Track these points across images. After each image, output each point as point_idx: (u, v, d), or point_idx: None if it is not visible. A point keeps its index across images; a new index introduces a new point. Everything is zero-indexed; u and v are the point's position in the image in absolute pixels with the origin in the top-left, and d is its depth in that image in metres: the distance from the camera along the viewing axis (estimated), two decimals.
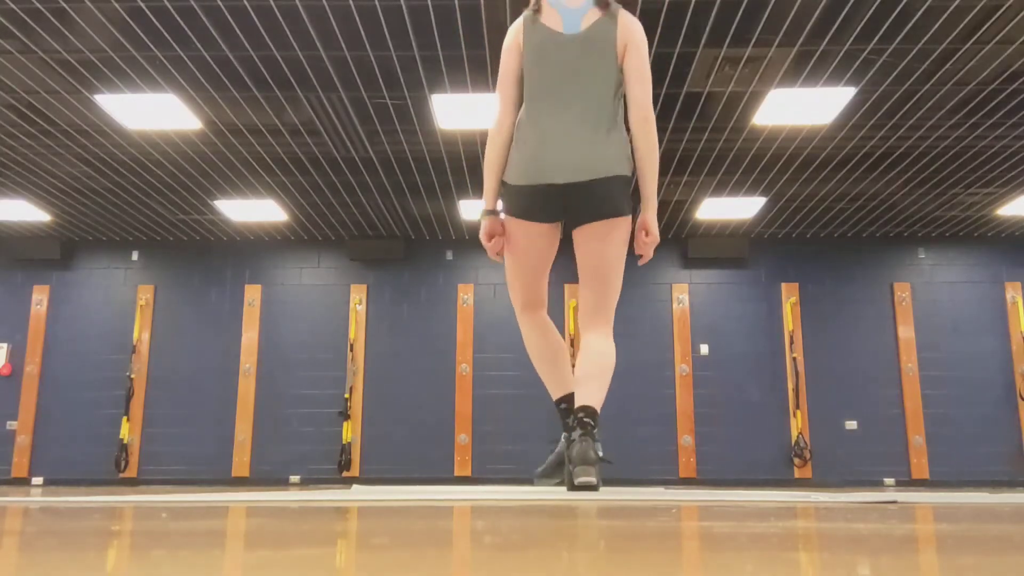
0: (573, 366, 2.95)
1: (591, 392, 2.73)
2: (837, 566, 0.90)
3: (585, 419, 2.65)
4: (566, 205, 2.72)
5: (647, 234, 2.80)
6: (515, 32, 2.80)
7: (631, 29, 2.75)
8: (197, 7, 4.82)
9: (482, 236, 2.83)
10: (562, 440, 3.01)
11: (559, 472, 3.05)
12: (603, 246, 2.79)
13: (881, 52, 5.32)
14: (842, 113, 6.21)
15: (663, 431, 8.98)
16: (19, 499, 2.54)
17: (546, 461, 3.07)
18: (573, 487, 2.62)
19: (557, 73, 2.73)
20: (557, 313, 8.81)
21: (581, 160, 2.68)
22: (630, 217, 2.81)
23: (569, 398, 2.96)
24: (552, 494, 2.64)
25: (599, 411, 2.72)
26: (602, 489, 2.93)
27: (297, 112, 6.23)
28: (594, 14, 2.73)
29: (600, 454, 2.65)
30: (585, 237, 2.80)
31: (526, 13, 2.80)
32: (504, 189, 2.79)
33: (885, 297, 9.30)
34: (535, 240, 2.82)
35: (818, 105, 6.07)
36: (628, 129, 2.79)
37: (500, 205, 2.86)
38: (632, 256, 2.88)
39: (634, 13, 4.85)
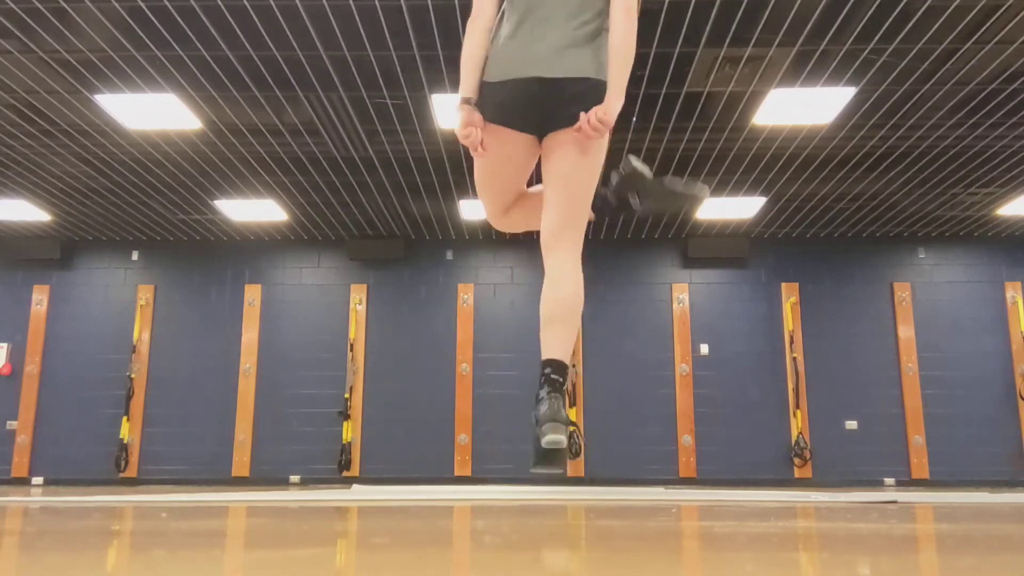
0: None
1: (560, 344, 2.48)
2: (837, 566, 0.90)
3: (553, 375, 2.40)
4: (543, 107, 2.58)
5: (605, 114, 2.50)
6: None
7: None
8: (197, 7, 4.82)
9: (458, 130, 2.62)
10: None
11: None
12: (579, 155, 2.59)
13: (881, 52, 5.31)
14: (842, 113, 6.21)
15: (663, 431, 8.97)
16: (19, 499, 2.53)
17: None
18: (540, 452, 2.33)
19: None
20: None
21: (565, 57, 2.56)
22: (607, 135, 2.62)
23: (557, 363, 2.56)
24: (553, 494, 2.63)
25: (568, 363, 2.48)
26: (603, 489, 2.89)
27: (297, 112, 6.23)
28: None
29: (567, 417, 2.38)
30: (560, 144, 2.61)
31: None
32: (481, 89, 2.61)
33: (885, 297, 9.30)
34: (510, 154, 2.67)
35: (818, 105, 6.07)
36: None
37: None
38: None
39: None
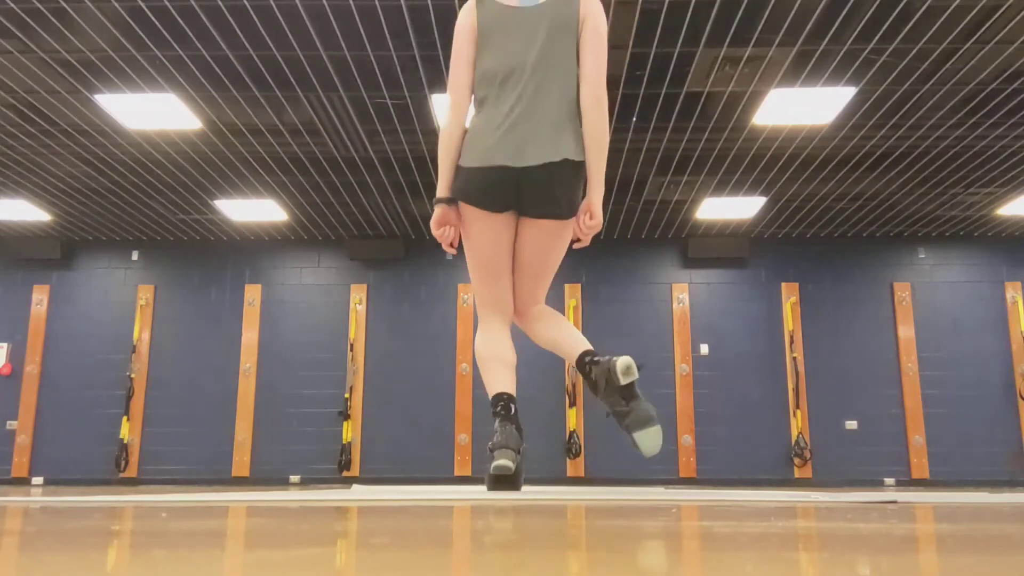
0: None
1: (583, 340, 2.83)
2: (837, 566, 0.90)
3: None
4: (519, 192, 2.64)
5: (591, 217, 2.70)
6: (468, 13, 2.69)
7: (591, 4, 2.64)
8: (197, 7, 4.82)
9: (433, 224, 2.74)
10: (496, 429, 2.86)
11: (515, 445, 2.85)
12: (552, 243, 2.77)
13: (881, 52, 5.32)
14: (842, 113, 6.21)
15: (663, 431, 8.96)
16: (19, 499, 2.54)
17: (494, 442, 2.86)
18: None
19: (513, 49, 2.62)
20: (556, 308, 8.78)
21: (537, 143, 2.59)
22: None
23: (508, 398, 2.88)
24: (553, 494, 2.64)
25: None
26: (603, 489, 2.94)
27: (297, 112, 6.23)
28: None
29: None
30: (532, 231, 2.76)
31: None
32: (458, 175, 2.69)
33: (885, 297, 9.30)
34: (493, 231, 2.74)
35: (818, 105, 6.07)
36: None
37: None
38: (571, 244, 2.86)
39: (633, 14, 4.87)
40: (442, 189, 2.70)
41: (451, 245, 2.76)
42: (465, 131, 2.72)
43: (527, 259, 2.81)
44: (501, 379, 2.86)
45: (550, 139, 2.60)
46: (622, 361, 2.66)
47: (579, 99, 2.66)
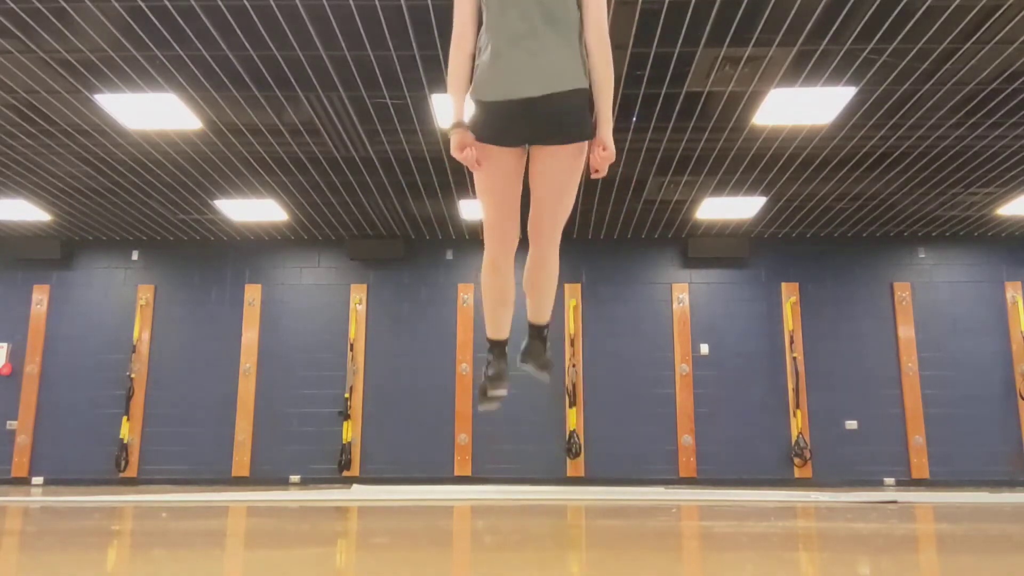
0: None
1: (543, 312, 3.13)
2: (837, 566, 0.90)
3: (544, 331, 3.13)
4: (531, 122, 2.76)
5: (604, 149, 2.82)
6: None
7: None
8: (197, 7, 4.82)
9: (453, 150, 2.82)
10: (488, 364, 3.27)
11: (502, 381, 3.29)
12: (566, 169, 2.86)
13: (881, 52, 5.31)
14: (842, 113, 6.20)
15: (663, 431, 8.97)
16: (19, 499, 2.53)
17: (485, 373, 3.29)
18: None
19: None
20: (558, 315, 8.79)
21: (546, 72, 2.73)
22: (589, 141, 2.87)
23: (499, 343, 3.22)
24: (553, 494, 2.64)
25: (546, 327, 3.18)
26: (603, 489, 2.99)
27: (297, 112, 6.23)
28: None
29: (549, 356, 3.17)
30: (547, 159, 2.85)
31: None
32: (474, 107, 2.80)
33: (885, 297, 9.30)
34: (504, 164, 2.85)
35: (818, 105, 6.07)
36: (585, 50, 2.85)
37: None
38: (590, 179, 3.02)
39: (633, 14, 4.87)
40: (456, 114, 2.81)
41: (477, 162, 2.83)
42: (473, 61, 2.83)
43: (543, 190, 2.91)
44: (501, 326, 3.19)
45: (557, 70, 2.74)
46: (541, 375, 3.10)
47: (582, 38, 2.82)
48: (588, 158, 2.89)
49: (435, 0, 4.75)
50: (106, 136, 6.63)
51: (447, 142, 6.78)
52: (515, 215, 2.99)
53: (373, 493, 3.14)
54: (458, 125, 2.80)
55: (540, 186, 2.91)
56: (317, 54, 5.36)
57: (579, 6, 2.84)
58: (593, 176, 2.92)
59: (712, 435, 8.96)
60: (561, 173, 2.86)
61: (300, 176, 7.55)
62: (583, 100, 2.77)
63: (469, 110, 2.83)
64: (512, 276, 3.09)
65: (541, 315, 3.15)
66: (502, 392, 3.08)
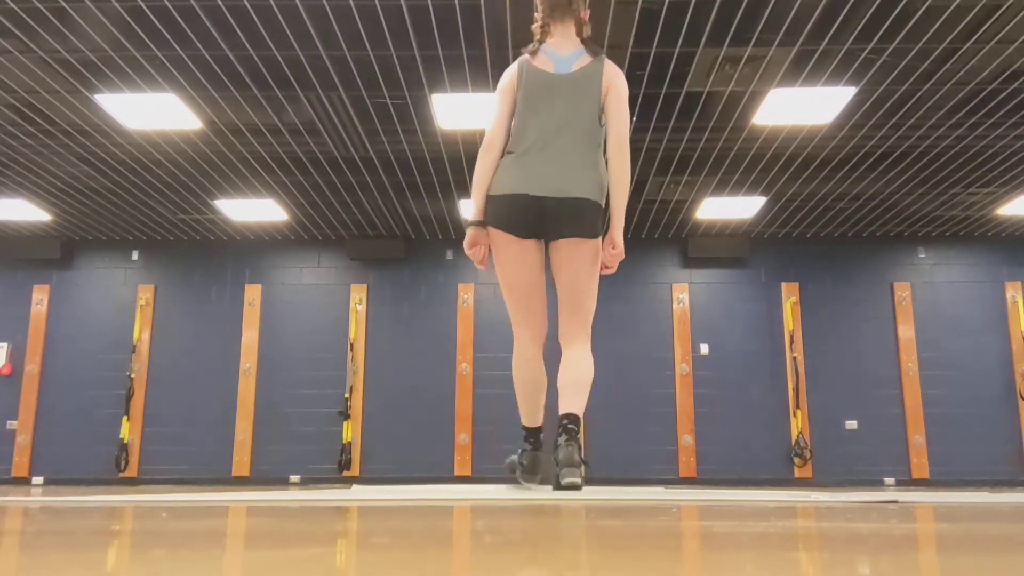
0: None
1: (574, 402, 2.97)
2: (837, 566, 0.90)
3: (570, 426, 2.89)
4: (541, 218, 2.96)
5: (614, 248, 3.02)
6: (510, 75, 3.10)
7: (614, 74, 3.07)
8: (197, 7, 4.82)
9: (466, 245, 3.06)
10: (518, 454, 3.28)
11: (533, 474, 3.26)
12: (576, 263, 3.03)
13: (881, 52, 5.32)
14: (842, 113, 6.21)
15: (663, 431, 8.98)
16: (19, 499, 2.53)
17: (518, 461, 3.26)
18: (560, 487, 2.83)
19: (547, 106, 3.03)
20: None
21: (559, 181, 2.95)
22: (599, 240, 3.05)
23: (533, 430, 3.24)
24: (553, 494, 2.64)
25: (580, 418, 2.99)
26: (603, 489, 2.99)
27: (297, 112, 6.23)
28: (584, 59, 3.06)
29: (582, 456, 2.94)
30: (559, 253, 3.04)
31: (522, 57, 3.11)
32: (488, 203, 3.01)
33: (885, 297, 9.30)
34: (518, 254, 3.03)
35: (818, 105, 6.07)
36: (606, 160, 3.07)
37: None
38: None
39: (633, 14, 4.87)
40: (474, 215, 3.04)
41: (481, 262, 3.08)
42: (497, 167, 3.06)
43: (560, 284, 3.08)
44: (535, 413, 3.22)
45: (572, 180, 2.96)
46: (567, 480, 2.80)
47: (603, 150, 3.06)
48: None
49: (435, 0, 4.75)
50: (106, 136, 6.63)
51: (447, 142, 6.80)
52: (538, 306, 3.14)
53: (373, 493, 3.12)
54: (475, 223, 3.03)
55: (559, 282, 3.08)
56: (317, 54, 5.37)
57: (602, 120, 3.06)
58: (603, 273, 3.10)
59: (712, 435, 8.96)
60: (576, 267, 3.02)
61: (300, 176, 7.55)
62: (594, 209, 2.97)
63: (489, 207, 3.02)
64: (542, 364, 3.18)
65: (574, 405, 2.98)
66: (577, 481, 2.80)
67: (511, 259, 3.03)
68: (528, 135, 3.01)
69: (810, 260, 9.40)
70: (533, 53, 3.09)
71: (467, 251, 3.05)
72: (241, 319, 9.35)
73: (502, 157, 3.05)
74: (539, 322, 3.14)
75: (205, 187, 7.83)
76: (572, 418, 2.91)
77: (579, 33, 3.11)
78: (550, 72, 3.05)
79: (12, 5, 4.76)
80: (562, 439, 2.84)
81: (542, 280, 3.10)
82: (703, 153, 6.98)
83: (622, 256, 3.04)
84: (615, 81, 3.06)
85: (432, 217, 8.74)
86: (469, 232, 3.04)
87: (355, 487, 3.76)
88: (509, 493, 2.82)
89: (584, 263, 3.02)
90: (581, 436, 2.95)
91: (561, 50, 3.08)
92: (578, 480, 2.78)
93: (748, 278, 9.42)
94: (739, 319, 9.29)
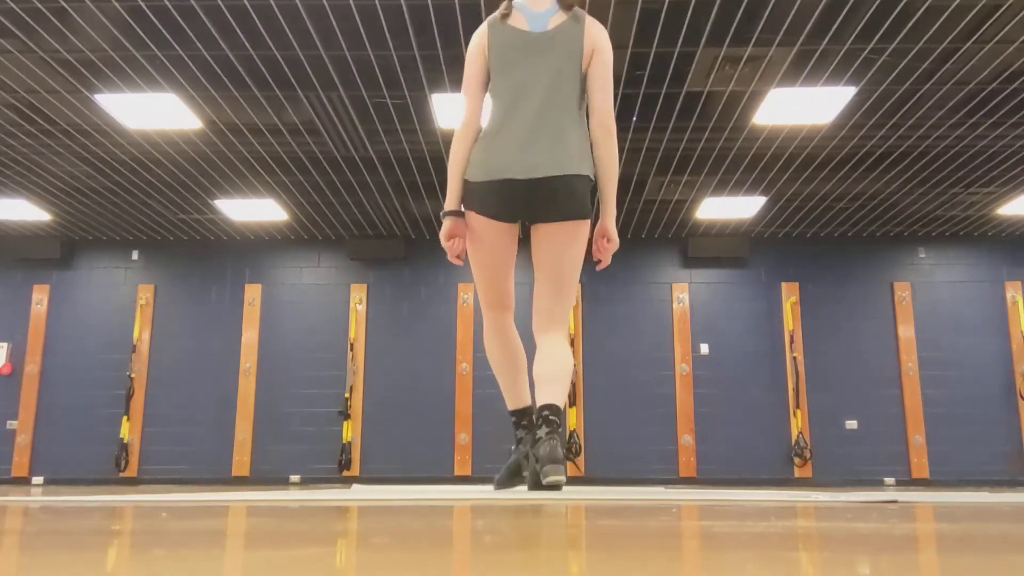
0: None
1: (554, 392, 2.72)
2: (837, 566, 0.90)
3: (551, 417, 2.65)
4: (528, 202, 2.72)
5: (608, 240, 2.81)
6: (480, 35, 2.82)
7: (598, 35, 2.77)
8: (197, 7, 4.82)
9: (442, 237, 2.82)
10: (514, 450, 2.98)
11: (517, 479, 2.97)
12: (564, 248, 2.79)
13: (881, 52, 5.32)
14: (842, 113, 6.21)
15: (663, 431, 8.98)
16: (19, 499, 2.54)
17: (503, 468, 2.98)
18: (539, 486, 2.64)
19: (522, 71, 2.75)
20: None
21: (544, 157, 2.68)
22: (590, 221, 2.81)
23: (523, 411, 2.97)
24: (553, 495, 2.64)
25: (561, 410, 2.75)
26: (603, 489, 2.94)
27: (297, 112, 6.23)
28: (559, 16, 2.77)
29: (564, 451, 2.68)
30: (546, 237, 2.79)
31: (492, 17, 2.82)
32: (466, 187, 2.77)
33: (885, 297, 9.30)
34: (496, 239, 2.81)
35: (818, 105, 6.07)
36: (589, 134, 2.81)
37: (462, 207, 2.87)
38: (590, 261, 2.93)
39: (633, 14, 4.87)
40: (451, 202, 2.78)
41: (458, 257, 2.84)
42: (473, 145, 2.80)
43: (543, 269, 2.85)
44: (520, 392, 2.97)
45: (557, 155, 2.69)
46: (550, 479, 2.56)
47: (587, 125, 2.78)
48: (591, 247, 2.87)
49: (435, 0, 4.75)
50: (106, 136, 6.63)
51: (447, 142, 6.80)
52: (511, 287, 2.96)
53: (373, 493, 3.11)
54: (452, 213, 2.77)
55: (539, 268, 2.84)
56: (317, 54, 5.37)
57: (583, 93, 2.79)
58: (597, 268, 2.90)
59: (712, 435, 8.96)
60: (560, 252, 2.78)
61: (300, 176, 7.55)
62: (584, 184, 2.73)
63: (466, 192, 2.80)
64: (517, 337, 3.00)
65: (552, 396, 2.73)
66: (560, 479, 2.58)
67: (489, 243, 2.81)
68: (505, 105, 2.74)
69: (810, 260, 9.40)
70: (506, 13, 2.79)
71: (443, 244, 2.81)
72: (241, 319, 9.35)
73: (480, 134, 2.80)
74: (511, 302, 2.98)
75: (205, 187, 7.83)
76: (553, 409, 2.67)
77: None
78: (525, 30, 2.76)
79: (12, 5, 4.76)
80: (543, 431, 2.61)
81: (513, 265, 2.92)
82: (703, 153, 6.98)
83: (616, 248, 2.84)
84: (600, 43, 2.76)
85: (432, 217, 8.74)
86: (446, 223, 2.79)
87: (355, 487, 3.75)
88: (509, 493, 2.80)
89: (574, 246, 2.79)
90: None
91: (536, 4, 2.78)
92: (562, 479, 2.55)
93: (748, 278, 9.42)
94: (739, 319, 9.29)
